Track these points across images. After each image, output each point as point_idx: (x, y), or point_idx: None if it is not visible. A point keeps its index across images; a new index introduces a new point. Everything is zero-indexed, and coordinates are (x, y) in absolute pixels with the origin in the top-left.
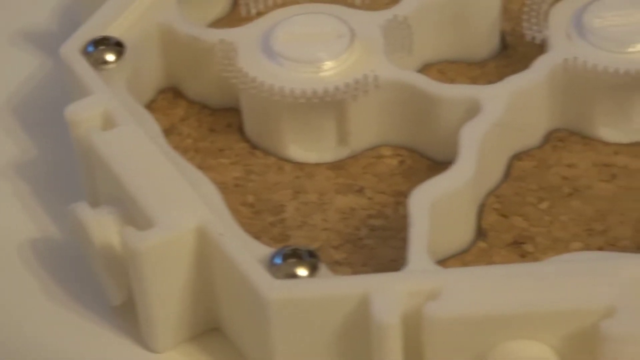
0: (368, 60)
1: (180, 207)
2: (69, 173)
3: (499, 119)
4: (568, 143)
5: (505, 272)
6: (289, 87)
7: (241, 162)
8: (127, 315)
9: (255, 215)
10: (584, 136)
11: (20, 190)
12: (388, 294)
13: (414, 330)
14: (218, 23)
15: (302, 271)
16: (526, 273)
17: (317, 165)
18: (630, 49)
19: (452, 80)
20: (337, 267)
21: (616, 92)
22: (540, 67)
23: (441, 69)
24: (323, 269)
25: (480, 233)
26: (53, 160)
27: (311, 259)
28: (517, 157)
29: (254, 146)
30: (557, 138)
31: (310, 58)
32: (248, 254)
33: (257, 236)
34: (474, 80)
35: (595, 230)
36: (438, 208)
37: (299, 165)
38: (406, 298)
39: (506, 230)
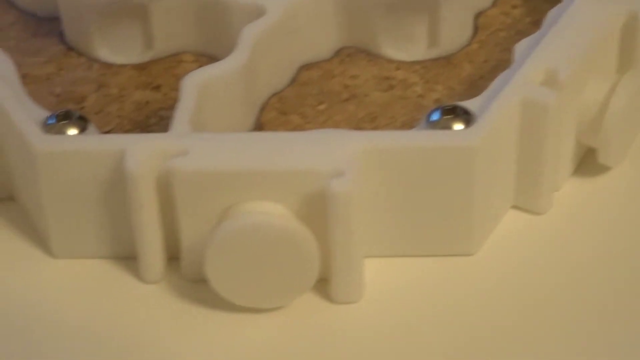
0: None
1: None
2: None
3: (279, 22)
4: (355, 59)
5: (249, 137)
6: None
7: (55, 60)
8: None
9: (60, 103)
10: (371, 54)
11: None
12: (142, 151)
13: (167, 187)
14: None
15: (72, 131)
16: (268, 139)
17: (123, 65)
18: None
19: None
20: None
21: (398, 13)
22: None
23: None
24: (92, 129)
25: (257, 127)
26: None
27: (80, 121)
28: (306, 67)
29: (71, 49)
30: (345, 54)
31: None
32: (26, 114)
33: None
34: None
35: (364, 129)
36: (208, 90)
37: (107, 65)
38: (158, 155)
39: (281, 125)
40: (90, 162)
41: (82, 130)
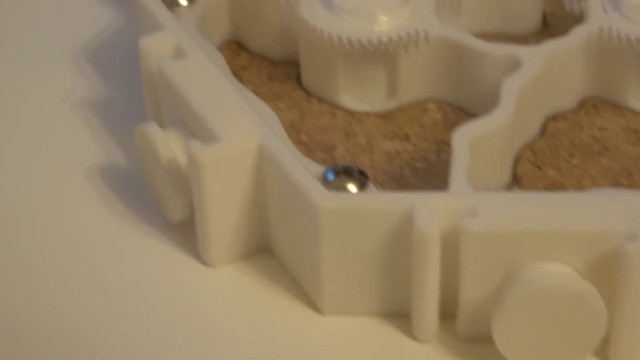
0: (419, 17)
1: (243, 125)
2: (136, 110)
3: (537, 75)
4: (600, 110)
5: (537, 197)
6: (345, 35)
7: (297, 107)
8: (186, 233)
9: (308, 153)
10: (615, 104)
11: (91, 123)
12: (430, 209)
13: (451, 246)
14: None
15: (352, 187)
16: (557, 199)
17: (367, 113)
18: None
19: None
20: None
21: None
22: (577, 34)
23: (485, 39)
24: (371, 187)
25: (516, 180)
26: (123, 98)
27: (361, 177)
28: (553, 118)
29: (310, 94)
30: (590, 104)
31: (366, 12)
32: (304, 168)
33: None
34: None
35: (622, 184)
36: (477, 145)
37: (351, 113)
38: (446, 214)
39: (539, 179)
40: (375, 220)
41: (362, 185)
